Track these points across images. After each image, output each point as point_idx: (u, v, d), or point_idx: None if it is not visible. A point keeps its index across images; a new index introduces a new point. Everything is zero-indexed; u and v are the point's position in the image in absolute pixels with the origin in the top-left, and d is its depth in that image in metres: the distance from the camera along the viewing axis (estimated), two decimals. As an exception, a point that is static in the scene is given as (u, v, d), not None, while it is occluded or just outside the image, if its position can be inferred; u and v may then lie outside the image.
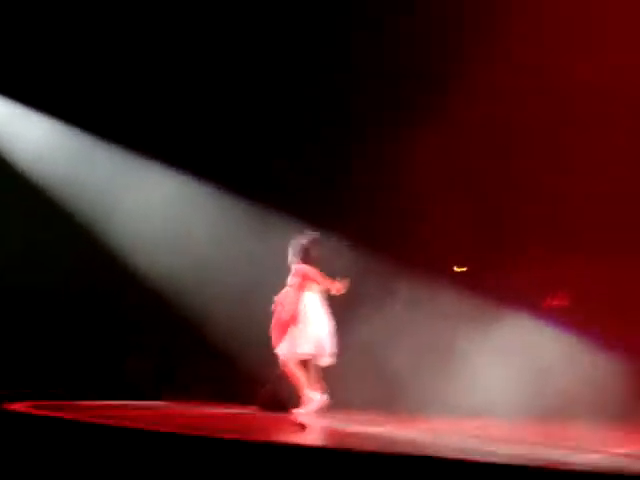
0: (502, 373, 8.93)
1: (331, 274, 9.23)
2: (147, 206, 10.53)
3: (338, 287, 9.17)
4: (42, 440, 6.23)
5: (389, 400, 9.38)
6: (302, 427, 7.10)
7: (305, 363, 9.14)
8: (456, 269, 10.74)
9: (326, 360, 9.16)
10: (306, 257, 9.29)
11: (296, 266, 9.30)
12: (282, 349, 9.11)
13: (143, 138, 10.60)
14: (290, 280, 9.30)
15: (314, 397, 8.96)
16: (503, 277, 10.06)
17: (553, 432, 7.98)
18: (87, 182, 10.48)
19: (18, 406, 7.55)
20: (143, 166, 10.66)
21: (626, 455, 6.26)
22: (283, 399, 9.19)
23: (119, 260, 10.54)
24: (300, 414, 8.76)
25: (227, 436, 6.46)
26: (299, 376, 9.03)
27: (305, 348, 9.03)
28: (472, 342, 9.28)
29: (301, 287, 9.23)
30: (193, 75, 10.61)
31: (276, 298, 9.35)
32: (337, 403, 9.23)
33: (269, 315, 9.45)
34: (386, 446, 6.35)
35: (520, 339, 9.34)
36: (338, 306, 9.31)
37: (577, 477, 4.74)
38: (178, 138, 10.72)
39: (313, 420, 8.45)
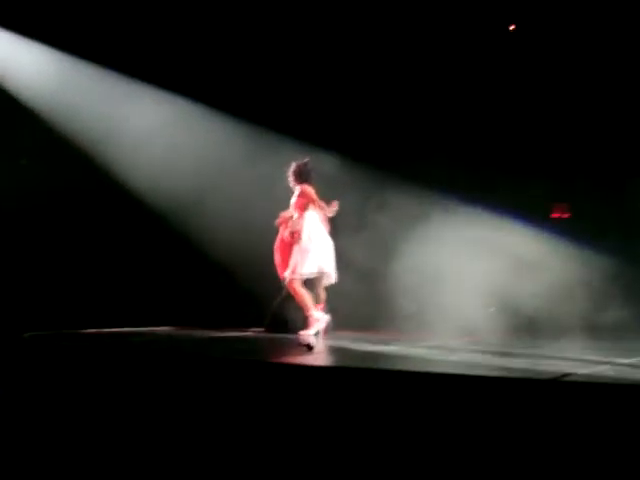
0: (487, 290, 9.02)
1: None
2: (145, 131, 10.45)
3: (332, 209, 9.25)
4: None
5: (388, 319, 9.43)
6: (309, 348, 7.14)
7: (309, 283, 9.24)
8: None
9: (329, 279, 9.25)
10: (307, 178, 9.38)
11: (299, 187, 9.35)
12: (287, 269, 9.18)
13: (140, 63, 10.48)
14: (293, 201, 9.35)
15: (319, 317, 9.06)
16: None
17: (551, 345, 8.02)
18: (85, 109, 10.37)
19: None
20: (140, 91, 10.57)
21: (631, 365, 6.34)
22: (289, 320, 9.28)
23: (119, 185, 10.50)
24: (307, 334, 8.85)
25: (235, 357, 6.56)
26: (304, 296, 9.11)
27: (309, 268, 9.11)
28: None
29: (303, 207, 9.29)
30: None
31: (277, 219, 9.42)
32: (339, 323, 9.39)
33: (271, 236, 9.52)
34: (397, 364, 6.43)
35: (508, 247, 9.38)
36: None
37: (588, 388, 4.82)
38: (175, 62, 10.61)
39: (320, 340, 8.54)
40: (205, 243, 10.59)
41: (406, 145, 10.51)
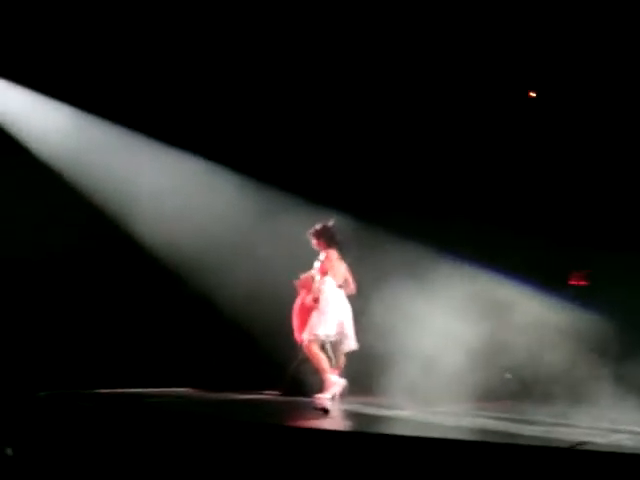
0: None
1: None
2: (161, 189, 10.53)
3: (350, 289, 9.30)
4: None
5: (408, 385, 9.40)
6: (325, 411, 7.12)
7: (327, 347, 9.24)
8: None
9: (349, 345, 9.24)
10: (332, 241, 9.37)
11: (325, 252, 9.36)
12: (305, 332, 9.18)
13: (157, 123, 10.60)
14: (316, 265, 9.37)
15: (336, 381, 9.03)
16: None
17: (563, 412, 7.98)
18: (100, 166, 10.47)
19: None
20: (156, 150, 10.67)
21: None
22: (306, 384, 9.25)
23: (135, 243, 10.55)
24: (323, 398, 8.82)
25: (250, 420, 6.54)
26: (321, 359, 9.10)
27: (327, 329, 9.11)
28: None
29: (324, 272, 9.30)
30: (205, 60, 10.59)
31: (298, 282, 9.43)
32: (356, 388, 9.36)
33: (289, 296, 9.53)
34: (412, 429, 6.41)
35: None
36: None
37: (604, 457, 4.79)
38: (191, 123, 10.73)
39: (336, 404, 8.51)
40: (221, 303, 10.58)
41: (418, 205, 10.55)
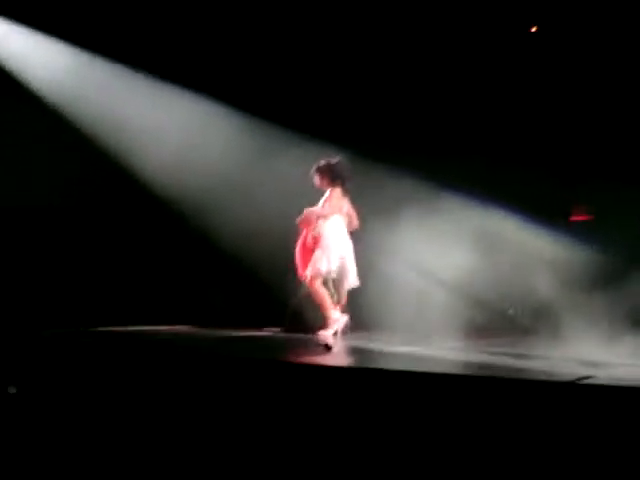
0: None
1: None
2: (159, 126, 10.46)
3: (355, 224, 9.29)
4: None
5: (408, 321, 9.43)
6: (327, 347, 7.14)
7: (329, 284, 9.24)
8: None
9: (351, 281, 9.23)
10: (337, 180, 9.30)
11: (329, 189, 9.30)
12: (308, 268, 9.18)
13: (155, 61, 10.50)
14: (321, 202, 9.31)
15: (338, 317, 9.05)
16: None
17: (569, 346, 7.99)
18: (99, 103, 10.39)
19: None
20: (153, 87, 10.59)
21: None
22: (308, 320, 9.27)
23: (133, 180, 10.51)
24: (325, 334, 8.85)
25: (252, 356, 6.56)
26: (324, 295, 9.10)
27: (330, 264, 9.09)
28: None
29: (327, 209, 9.25)
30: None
31: (300, 219, 9.38)
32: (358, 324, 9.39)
33: (290, 233, 9.50)
34: (414, 364, 6.42)
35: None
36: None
37: (608, 391, 4.79)
38: (190, 61, 10.63)
39: (338, 341, 8.53)
40: (222, 240, 10.56)
41: (419, 140, 10.47)
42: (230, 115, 10.71)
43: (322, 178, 9.32)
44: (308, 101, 10.78)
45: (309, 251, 9.28)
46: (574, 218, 10.49)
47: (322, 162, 9.33)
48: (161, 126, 10.43)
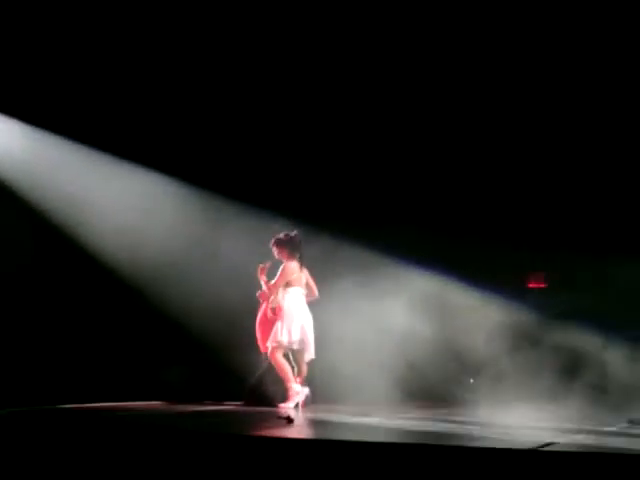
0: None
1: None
2: (116, 203, 10.45)
3: (313, 296, 9.39)
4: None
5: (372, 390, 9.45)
6: (289, 420, 7.12)
7: (290, 357, 9.25)
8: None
9: (310, 355, 9.27)
10: (293, 252, 9.38)
11: (284, 263, 9.36)
12: (269, 340, 9.20)
13: (108, 138, 10.55)
14: (278, 274, 9.37)
15: (299, 390, 9.05)
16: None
17: (525, 413, 8.03)
18: (55, 182, 10.40)
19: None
20: (110, 165, 10.62)
21: (610, 433, 6.36)
22: (269, 393, 9.24)
23: (92, 257, 10.48)
24: (286, 407, 8.83)
25: (215, 431, 6.52)
26: (285, 367, 9.11)
27: (291, 336, 9.13)
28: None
29: (288, 282, 9.31)
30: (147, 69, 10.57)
31: (260, 293, 9.44)
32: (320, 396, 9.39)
33: (251, 309, 9.53)
34: (373, 435, 6.43)
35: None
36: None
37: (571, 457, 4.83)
38: (143, 137, 10.69)
39: (300, 413, 8.51)
40: (182, 315, 10.52)
41: (374, 211, 10.54)
42: (180, 188, 10.73)
43: (280, 250, 9.39)
44: (254, 173, 10.81)
45: (269, 323, 9.32)
46: (531, 285, 10.60)
47: (281, 235, 9.42)
48: (114, 200, 10.43)
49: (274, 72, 10.51)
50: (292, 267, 9.35)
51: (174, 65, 10.48)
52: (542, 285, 10.52)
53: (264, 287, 9.41)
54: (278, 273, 9.37)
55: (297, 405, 8.97)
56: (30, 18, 9.79)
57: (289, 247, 9.38)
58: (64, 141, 10.42)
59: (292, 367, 9.22)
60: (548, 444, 5.29)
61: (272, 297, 9.33)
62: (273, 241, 9.43)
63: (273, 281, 9.35)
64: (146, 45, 10.29)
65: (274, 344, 9.15)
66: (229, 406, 9.42)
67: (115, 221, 10.35)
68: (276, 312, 9.27)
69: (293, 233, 9.42)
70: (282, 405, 8.92)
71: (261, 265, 9.43)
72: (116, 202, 10.46)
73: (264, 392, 9.28)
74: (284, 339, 9.12)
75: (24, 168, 10.26)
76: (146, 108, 10.65)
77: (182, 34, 10.25)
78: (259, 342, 9.44)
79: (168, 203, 10.65)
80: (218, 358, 10.15)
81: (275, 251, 9.43)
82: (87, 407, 8.76)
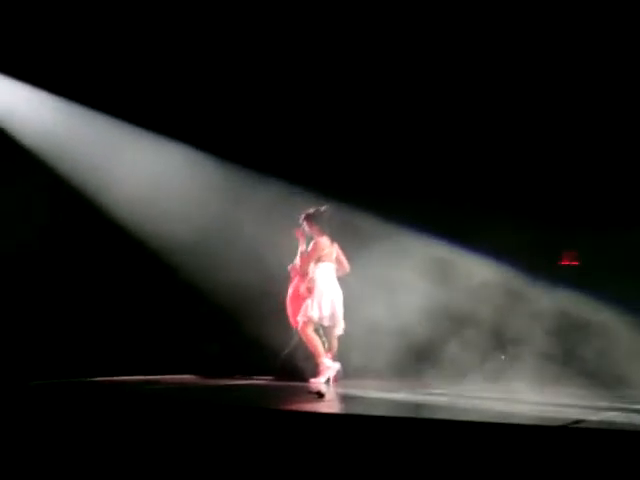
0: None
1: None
2: (146, 176, 10.50)
3: (347, 268, 9.38)
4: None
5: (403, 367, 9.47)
6: (320, 395, 7.14)
7: (320, 331, 9.28)
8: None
9: (340, 329, 9.29)
10: (324, 227, 9.37)
11: (315, 238, 9.37)
12: (299, 315, 9.23)
13: (135, 110, 10.58)
14: (309, 250, 9.39)
15: (330, 365, 9.07)
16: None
17: (558, 391, 8.01)
18: (85, 154, 10.45)
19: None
20: (137, 137, 10.66)
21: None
22: (300, 368, 9.28)
23: (122, 230, 10.54)
24: (317, 382, 8.86)
25: (246, 405, 6.56)
26: (316, 343, 9.14)
27: (322, 311, 9.15)
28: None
29: (319, 258, 9.32)
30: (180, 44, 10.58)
31: (291, 266, 9.47)
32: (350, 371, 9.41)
33: (282, 283, 9.56)
34: (402, 410, 6.44)
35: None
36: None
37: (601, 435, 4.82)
38: (171, 108, 10.70)
39: (330, 388, 8.54)
40: (211, 289, 10.56)
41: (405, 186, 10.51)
42: (211, 162, 10.75)
43: (311, 225, 9.40)
44: (281, 147, 10.81)
45: (300, 298, 9.35)
46: (564, 262, 10.54)
47: (311, 210, 9.42)
48: (141, 173, 10.47)
49: (301, 43, 10.47)
50: (323, 242, 9.36)
51: (199, 35, 10.45)
52: (575, 263, 10.46)
53: (298, 257, 9.42)
54: (309, 249, 9.39)
55: (328, 380, 9.00)
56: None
57: (320, 222, 9.38)
58: (96, 114, 10.49)
59: (323, 342, 9.25)
60: (578, 421, 5.28)
61: (309, 276, 9.34)
62: (303, 216, 9.44)
63: (306, 256, 9.37)
64: (170, 16, 10.29)
65: (304, 319, 9.19)
66: (260, 381, 9.47)
67: (143, 193, 10.41)
68: (310, 291, 9.28)
69: (323, 208, 9.42)
70: (313, 380, 8.96)
71: (299, 230, 9.45)
72: (144, 173, 10.51)
73: (295, 367, 9.33)
74: (315, 314, 9.15)
75: (51, 139, 10.34)
76: (176, 79, 10.66)
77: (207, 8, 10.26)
78: (290, 317, 9.48)
79: (199, 176, 10.68)
80: (248, 333, 10.20)
81: (305, 226, 9.44)
82: (117, 380, 8.84)
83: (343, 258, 9.48)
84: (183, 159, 10.69)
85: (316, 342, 9.15)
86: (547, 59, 9.92)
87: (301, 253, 9.45)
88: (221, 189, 10.62)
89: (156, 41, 10.41)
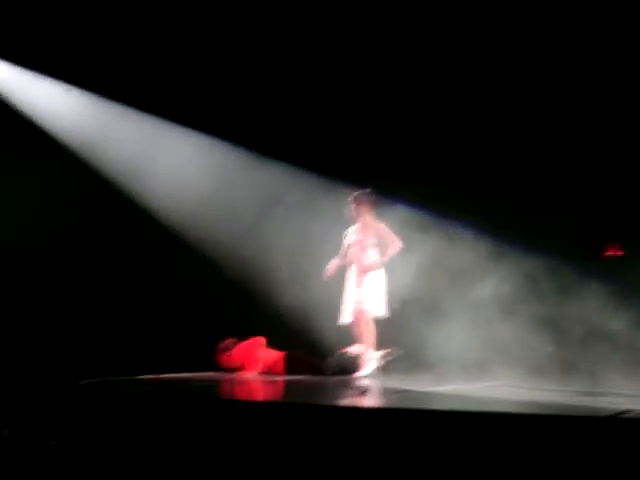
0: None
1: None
2: (180, 170, 10.55)
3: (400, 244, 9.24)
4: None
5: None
6: (366, 390, 7.14)
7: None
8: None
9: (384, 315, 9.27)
10: (370, 210, 9.36)
11: (379, 223, 9.33)
12: (365, 305, 9.19)
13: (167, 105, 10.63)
14: (390, 235, 9.31)
15: (375, 357, 9.04)
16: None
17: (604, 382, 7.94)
18: (115, 148, 10.55)
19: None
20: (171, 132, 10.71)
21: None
22: (344, 361, 9.24)
23: (160, 224, 10.61)
24: (362, 376, 8.85)
25: (292, 401, 6.57)
26: (365, 335, 9.10)
27: (380, 310, 9.15)
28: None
29: (372, 244, 9.30)
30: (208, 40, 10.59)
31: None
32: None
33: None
34: (454, 404, 6.42)
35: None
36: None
37: None
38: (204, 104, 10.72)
39: (377, 382, 8.52)
40: (258, 284, 10.59)
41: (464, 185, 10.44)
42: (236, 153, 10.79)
43: (360, 208, 9.35)
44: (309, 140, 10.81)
45: (353, 289, 9.29)
46: (607, 254, 10.45)
47: (357, 192, 9.36)
48: (171, 164, 10.52)
49: (317, 25, 10.43)
50: (384, 225, 9.32)
51: (219, 26, 10.41)
52: (620, 253, 10.36)
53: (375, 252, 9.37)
54: (385, 234, 9.31)
55: (373, 373, 8.97)
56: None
57: (369, 204, 9.33)
58: (126, 109, 10.57)
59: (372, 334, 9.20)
60: (626, 412, 5.23)
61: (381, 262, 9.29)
62: (353, 198, 9.38)
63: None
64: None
65: (361, 312, 9.14)
66: (305, 376, 9.46)
67: (173, 185, 10.47)
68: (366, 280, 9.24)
69: (368, 190, 9.37)
70: (357, 374, 8.93)
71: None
72: (173, 165, 10.57)
73: (339, 360, 9.31)
74: (372, 310, 9.12)
75: (87, 134, 10.45)
76: (201, 74, 10.65)
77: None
78: (342, 308, 9.41)
79: (224, 168, 10.71)
80: (292, 326, 10.19)
81: (353, 208, 9.36)
82: (165, 377, 8.88)
83: (393, 236, 9.34)
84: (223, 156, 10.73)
85: (366, 334, 9.09)
86: (573, 49, 9.81)
87: (360, 242, 9.36)
88: (259, 186, 10.62)
89: (185, 36, 10.41)
